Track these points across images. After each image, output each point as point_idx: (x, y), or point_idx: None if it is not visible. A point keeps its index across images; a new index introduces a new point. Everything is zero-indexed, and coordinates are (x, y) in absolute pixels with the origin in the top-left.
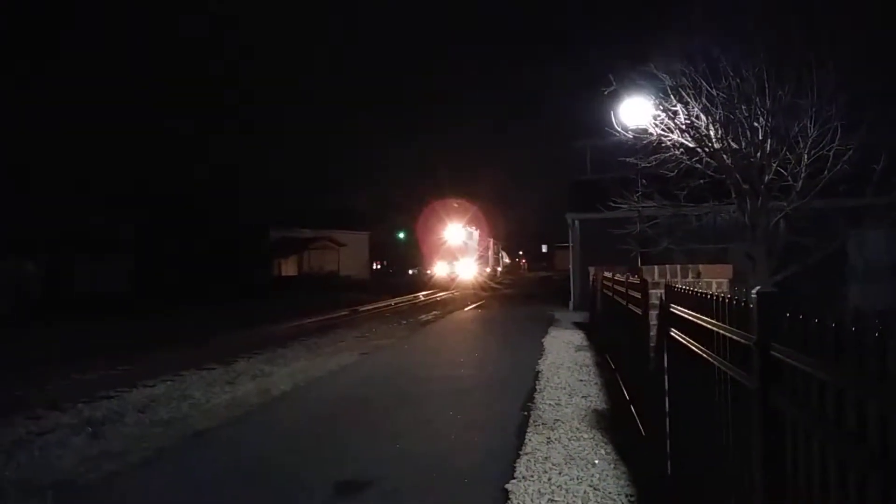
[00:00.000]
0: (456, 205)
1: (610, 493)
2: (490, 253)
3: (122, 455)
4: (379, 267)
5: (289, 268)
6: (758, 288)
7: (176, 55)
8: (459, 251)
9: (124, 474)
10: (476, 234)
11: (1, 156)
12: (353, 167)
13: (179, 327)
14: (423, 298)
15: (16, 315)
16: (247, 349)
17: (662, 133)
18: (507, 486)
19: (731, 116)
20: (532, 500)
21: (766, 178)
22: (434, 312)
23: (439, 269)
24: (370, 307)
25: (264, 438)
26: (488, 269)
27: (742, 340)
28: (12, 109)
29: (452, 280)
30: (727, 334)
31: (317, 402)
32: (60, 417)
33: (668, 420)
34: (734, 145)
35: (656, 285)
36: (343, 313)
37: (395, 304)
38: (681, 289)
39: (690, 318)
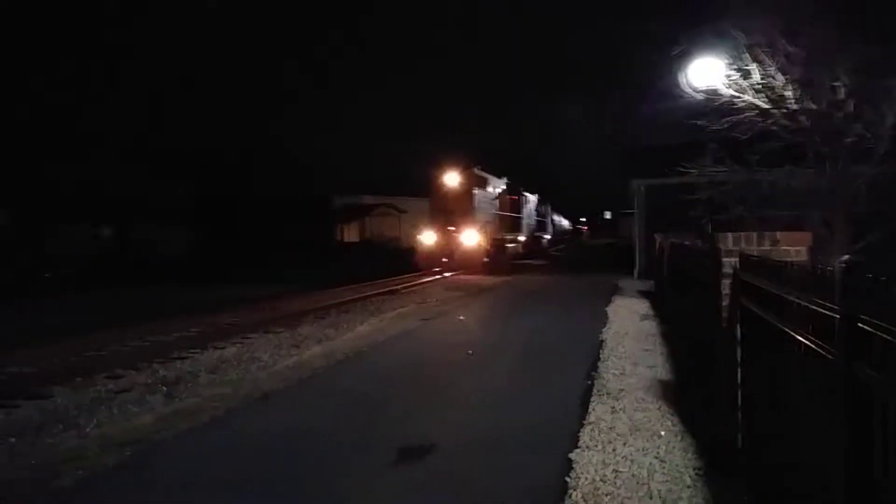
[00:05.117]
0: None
1: (676, 465)
2: (525, 213)
3: (194, 414)
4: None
5: (351, 234)
6: (846, 257)
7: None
8: (460, 209)
9: (196, 432)
10: (500, 184)
11: (69, 124)
12: (414, 132)
13: (244, 292)
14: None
15: (93, 278)
16: (311, 314)
17: (735, 94)
18: (570, 455)
19: (811, 75)
20: (596, 470)
21: (848, 140)
22: (493, 279)
23: (427, 239)
24: (431, 274)
25: (329, 401)
26: (522, 238)
27: (826, 312)
28: (82, 78)
29: (447, 254)
30: (809, 305)
31: (380, 366)
32: (137, 377)
33: (739, 393)
34: (813, 106)
35: (730, 253)
36: (404, 280)
37: (456, 271)
38: (757, 257)
39: (768, 287)
